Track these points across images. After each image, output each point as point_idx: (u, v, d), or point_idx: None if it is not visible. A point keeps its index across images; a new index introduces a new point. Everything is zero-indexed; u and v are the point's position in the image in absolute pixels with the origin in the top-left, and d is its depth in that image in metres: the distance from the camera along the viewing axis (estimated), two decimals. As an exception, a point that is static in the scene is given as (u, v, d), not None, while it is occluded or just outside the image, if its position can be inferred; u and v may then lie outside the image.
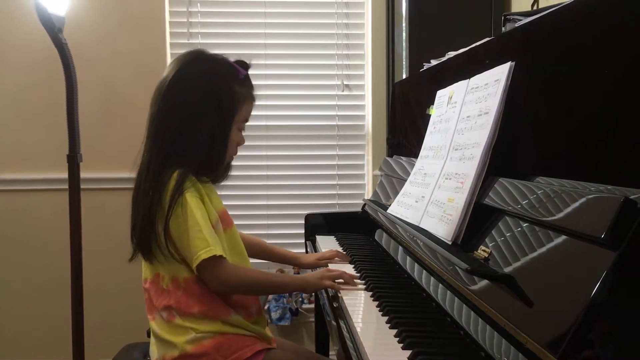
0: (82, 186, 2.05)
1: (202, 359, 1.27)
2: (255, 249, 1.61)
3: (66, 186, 2.03)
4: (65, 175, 2.02)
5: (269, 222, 2.84)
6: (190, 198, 1.26)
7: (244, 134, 1.42)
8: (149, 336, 1.40)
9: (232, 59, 1.39)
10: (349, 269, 1.48)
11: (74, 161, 2.01)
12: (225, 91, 1.33)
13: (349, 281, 1.37)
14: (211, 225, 1.29)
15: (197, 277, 1.28)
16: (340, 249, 1.76)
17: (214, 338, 1.28)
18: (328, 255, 1.64)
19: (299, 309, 2.77)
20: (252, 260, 1.50)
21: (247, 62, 1.40)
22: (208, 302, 1.29)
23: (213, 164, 1.35)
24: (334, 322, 1.25)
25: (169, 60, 2.73)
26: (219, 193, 1.41)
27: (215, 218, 1.33)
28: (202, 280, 1.28)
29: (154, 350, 1.35)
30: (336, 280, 1.37)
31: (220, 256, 1.25)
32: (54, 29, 1.92)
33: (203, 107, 1.31)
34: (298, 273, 2.73)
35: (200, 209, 1.27)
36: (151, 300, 1.34)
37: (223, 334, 1.30)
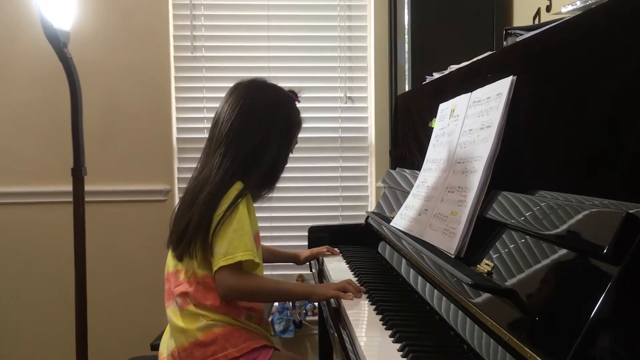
0: (86, 199, 2.06)
1: (211, 346, 1.32)
2: (264, 255, 1.67)
3: (70, 199, 2.04)
4: (69, 188, 2.03)
5: (273, 234, 2.84)
6: (243, 207, 1.34)
7: None
8: (152, 349, 1.41)
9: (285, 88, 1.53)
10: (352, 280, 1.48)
11: (78, 174, 2.01)
12: (290, 117, 1.50)
13: (353, 292, 1.38)
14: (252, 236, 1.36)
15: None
16: (343, 262, 1.77)
17: (224, 327, 1.34)
18: (319, 249, 1.88)
19: (303, 322, 2.76)
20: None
21: (297, 92, 1.57)
22: (223, 300, 1.35)
23: (272, 181, 1.48)
24: (337, 335, 1.25)
25: (173, 73, 2.75)
26: None
27: (256, 231, 1.43)
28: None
29: (163, 349, 1.41)
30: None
31: (253, 262, 1.32)
32: (59, 44, 1.93)
33: (274, 129, 1.43)
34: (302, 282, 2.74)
35: (247, 217, 1.35)
36: (169, 288, 1.41)
37: (233, 325, 1.35)
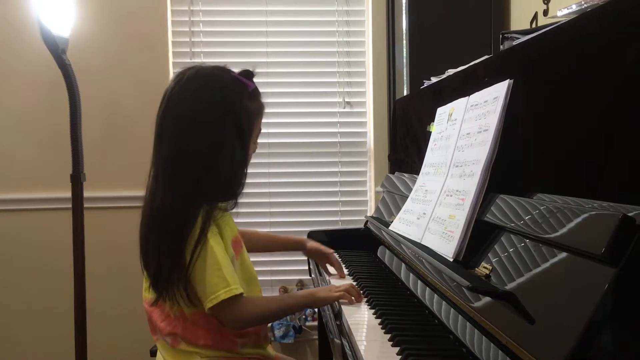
0: (85, 205, 2.06)
1: None
2: (259, 244, 1.60)
3: (69, 205, 2.04)
4: (68, 194, 2.03)
5: (272, 239, 2.83)
6: (211, 236, 1.21)
7: None
8: (152, 356, 1.40)
9: (234, 69, 1.31)
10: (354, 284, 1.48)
11: (77, 181, 2.02)
12: (242, 112, 1.25)
13: (356, 296, 1.37)
14: (231, 263, 1.24)
15: (204, 310, 1.23)
16: (342, 266, 1.76)
17: None
18: (327, 249, 1.69)
19: (303, 327, 2.76)
20: (258, 258, 1.48)
21: (252, 70, 1.30)
22: (214, 336, 1.28)
23: (236, 189, 1.29)
24: (337, 340, 1.25)
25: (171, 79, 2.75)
26: None
27: (231, 253, 1.28)
28: (209, 315, 1.24)
29: None
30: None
31: (240, 294, 1.21)
32: (57, 50, 1.94)
33: (222, 135, 1.22)
34: (302, 288, 2.73)
35: (219, 245, 1.23)
36: (154, 323, 1.31)
37: (228, 358, 1.30)
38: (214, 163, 1.22)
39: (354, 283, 1.54)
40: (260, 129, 1.34)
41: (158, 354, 1.37)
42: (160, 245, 1.22)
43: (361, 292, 1.43)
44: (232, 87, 1.26)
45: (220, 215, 1.27)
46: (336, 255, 1.72)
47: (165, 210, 1.22)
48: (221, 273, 1.19)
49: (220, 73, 1.28)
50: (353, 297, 1.35)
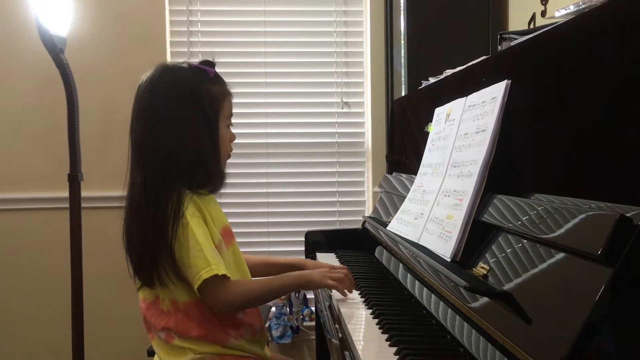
0: (82, 205, 2.05)
1: None
2: (255, 269, 1.54)
3: (67, 205, 2.03)
4: (66, 194, 2.03)
5: (269, 239, 2.84)
6: (191, 218, 1.24)
7: (234, 130, 1.41)
8: (149, 355, 1.39)
9: (230, 69, 1.37)
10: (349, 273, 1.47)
11: (75, 180, 2.01)
12: (203, 92, 1.30)
13: (349, 287, 1.37)
14: (214, 245, 1.27)
15: (198, 300, 1.26)
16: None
17: (212, 359, 1.29)
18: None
19: (300, 327, 2.76)
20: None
21: (212, 59, 1.37)
22: (207, 327, 1.28)
23: (210, 170, 1.31)
24: (334, 340, 1.25)
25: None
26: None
27: (218, 238, 1.30)
28: (203, 304, 1.27)
29: None
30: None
31: (223, 275, 1.23)
32: (55, 50, 1.94)
33: (184, 115, 1.28)
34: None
35: (201, 226, 1.25)
36: (148, 321, 1.32)
37: (221, 355, 1.30)
38: (179, 143, 1.27)
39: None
40: (230, 114, 1.38)
41: (155, 357, 1.38)
42: (141, 232, 1.26)
43: (360, 294, 1.43)
44: (192, 74, 1.32)
45: (202, 199, 1.30)
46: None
47: (141, 196, 1.27)
48: (202, 254, 1.22)
49: (181, 64, 1.36)
50: (346, 291, 1.36)
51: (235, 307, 1.30)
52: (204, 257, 1.22)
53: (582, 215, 0.81)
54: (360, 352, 1.06)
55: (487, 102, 1.23)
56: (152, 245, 1.24)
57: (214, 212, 1.33)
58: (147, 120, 1.30)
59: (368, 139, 2.87)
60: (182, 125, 1.28)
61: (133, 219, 1.30)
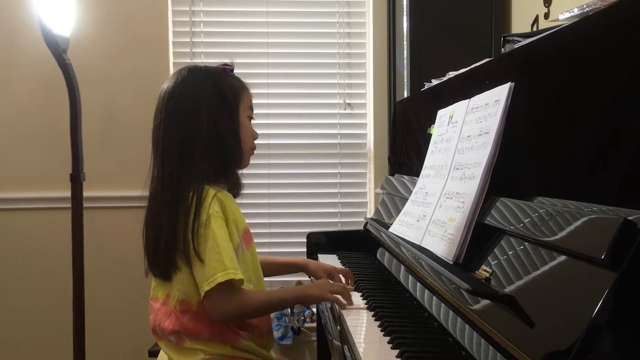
0: (84, 205, 2.05)
1: None
2: (263, 269, 1.52)
3: (69, 205, 2.03)
4: (68, 194, 2.03)
5: (271, 240, 2.84)
6: (215, 220, 1.25)
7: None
8: (150, 356, 1.39)
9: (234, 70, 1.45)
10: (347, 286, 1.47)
11: (77, 180, 2.02)
12: (224, 84, 1.36)
13: (347, 299, 1.36)
14: (233, 248, 1.27)
15: None
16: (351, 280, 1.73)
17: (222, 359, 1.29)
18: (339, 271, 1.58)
19: (301, 328, 2.76)
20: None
21: (230, 62, 1.45)
22: (219, 327, 1.29)
23: (234, 159, 1.36)
24: (336, 342, 1.25)
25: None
26: None
27: (237, 241, 1.31)
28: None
29: None
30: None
31: (235, 283, 1.23)
32: (58, 50, 1.94)
33: (209, 105, 1.32)
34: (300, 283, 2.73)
35: (223, 229, 1.26)
36: (157, 320, 1.32)
37: (231, 357, 1.30)
38: (204, 133, 1.30)
39: (351, 288, 1.53)
40: (251, 106, 1.42)
41: (161, 353, 1.38)
42: (160, 218, 1.28)
43: (361, 295, 1.43)
44: (213, 70, 1.40)
45: (226, 196, 1.33)
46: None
47: (164, 185, 1.30)
48: (221, 256, 1.22)
49: (204, 68, 1.41)
50: (346, 303, 1.35)
51: (231, 318, 1.30)
52: (223, 259, 1.22)
53: (585, 219, 0.81)
54: (361, 354, 1.06)
55: (490, 104, 1.22)
56: (169, 229, 1.26)
57: (236, 210, 1.36)
58: (172, 112, 1.33)
59: (370, 140, 2.87)
60: (206, 115, 1.31)
61: (153, 208, 1.32)
